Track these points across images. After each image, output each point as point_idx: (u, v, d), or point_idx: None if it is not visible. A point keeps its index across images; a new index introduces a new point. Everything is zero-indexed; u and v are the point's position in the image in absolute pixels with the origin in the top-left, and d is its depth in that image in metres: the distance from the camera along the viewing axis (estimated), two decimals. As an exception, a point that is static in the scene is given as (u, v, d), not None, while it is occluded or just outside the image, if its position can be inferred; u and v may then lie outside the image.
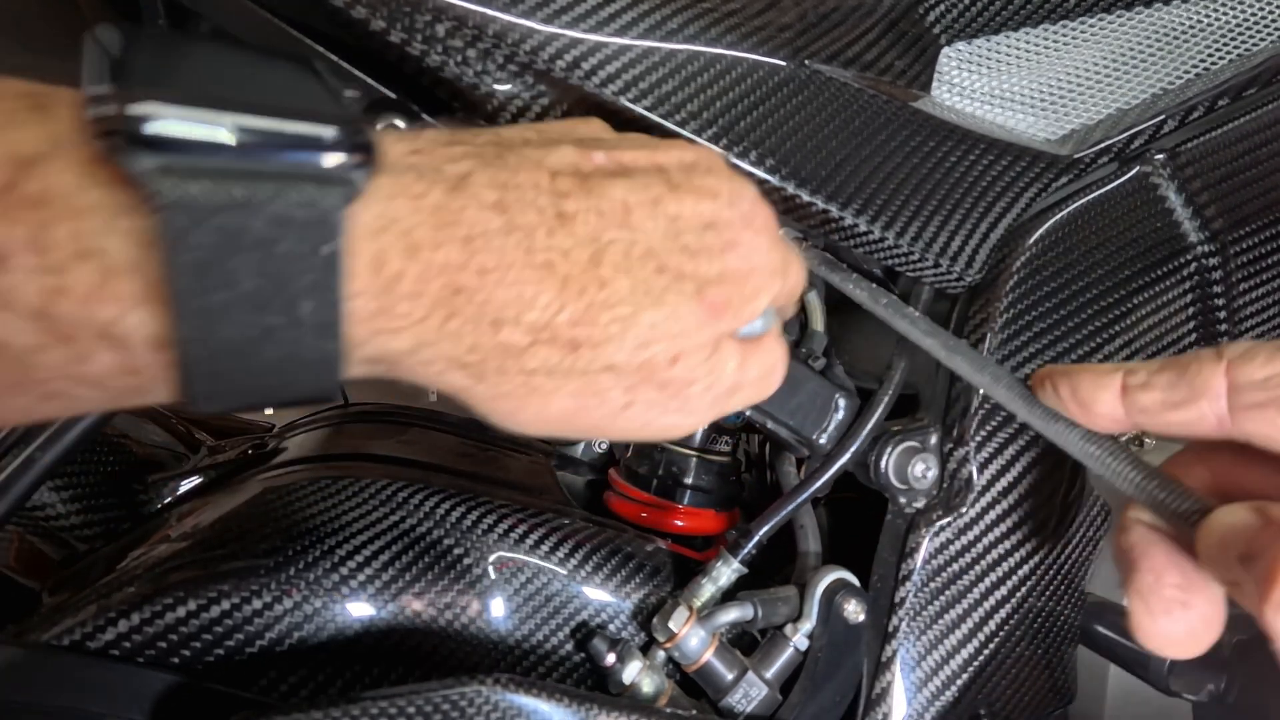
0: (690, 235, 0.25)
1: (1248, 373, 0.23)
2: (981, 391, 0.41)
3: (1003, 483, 0.42)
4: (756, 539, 0.41)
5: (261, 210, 0.17)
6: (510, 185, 0.23)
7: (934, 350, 0.33)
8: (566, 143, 0.25)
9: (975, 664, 0.43)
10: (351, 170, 0.19)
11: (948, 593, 0.42)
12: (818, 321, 0.42)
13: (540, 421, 0.25)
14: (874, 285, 0.37)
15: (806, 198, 0.40)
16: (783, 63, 0.40)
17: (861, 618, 0.40)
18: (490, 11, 0.34)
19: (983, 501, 0.42)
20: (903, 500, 0.42)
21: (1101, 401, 0.26)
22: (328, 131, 0.18)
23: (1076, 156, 0.45)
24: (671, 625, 0.39)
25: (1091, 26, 0.47)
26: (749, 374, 0.28)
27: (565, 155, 0.25)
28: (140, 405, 0.21)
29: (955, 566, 0.42)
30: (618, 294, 0.24)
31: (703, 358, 0.26)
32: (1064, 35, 0.47)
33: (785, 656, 0.40)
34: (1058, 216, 0.43)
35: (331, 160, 0.18)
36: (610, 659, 0.39)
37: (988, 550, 0.42)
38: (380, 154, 0.20)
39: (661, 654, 0.40)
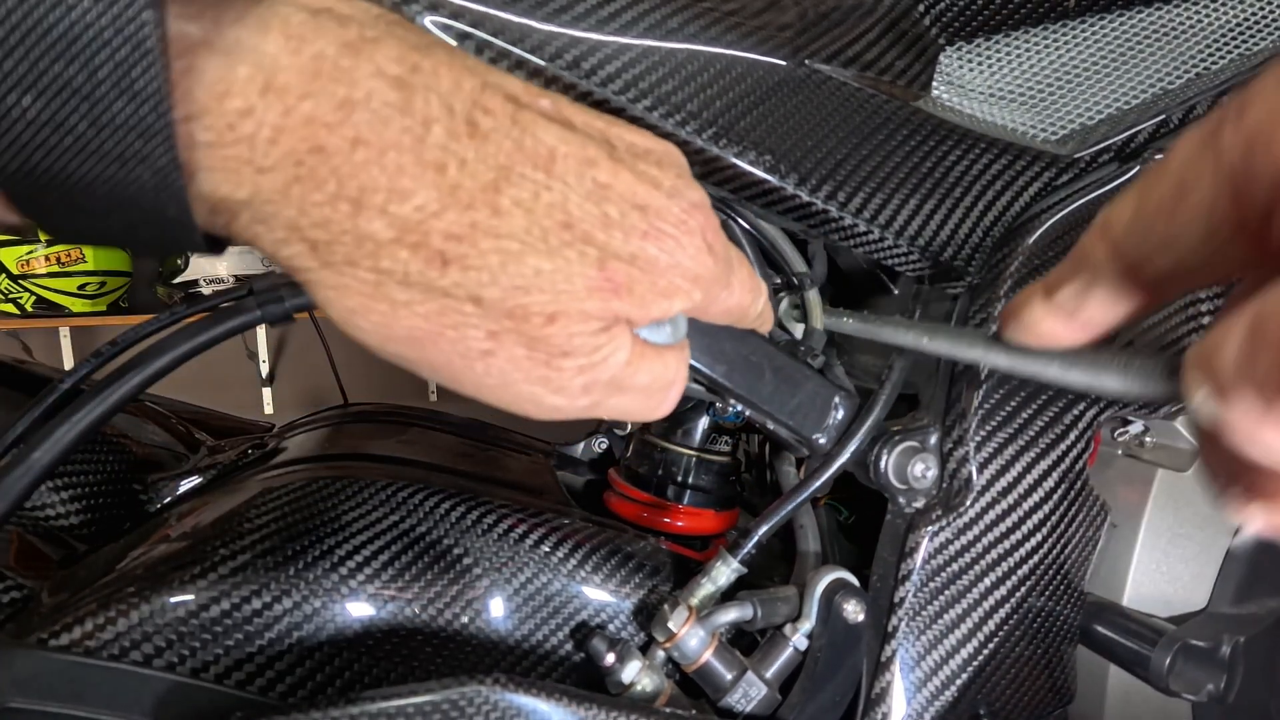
0: (614, 207, 0.23)
1: (1115, 228, 0.21)
2: (981, 391, 0.41)
3: (1002, 482, 0.42)
4: (756, 539, 0.41)
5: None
6: (423, 70, 0.21)
7: (912, 344, 0.32)
8: (518, 80, 0.24)
9: (975, 664, 0.43)
10: None
11: (947, 592, 0.42)
12: (817, 319, 0.42)
13: (383, 334, 0.23)
14: (855, 312, 0.37)
15: (806, 197, 0.40)
16: (782, 62, 0.40)
17: (861, 617, 0.40)
18: (489, 10, 0.34)
19: (982, 501, 0.42)
20: (902, 500, 0.42)
21: (1039, 315, 0.24)
22: None
23: (1077, 156, 0.45)
24: (671, 625, 0.39)
25: (1091, 26, 0.47)
26: (638, 378, 0.26)
27: (509, 81, 0.23)
28: None
29: (955, 566, 0.42)
30: (509, 227, 0.22)
31: (587, 330, 0.23)
32: (1064, 35, 0.47)
33: (785, 656, 0.40)
34: (1058, 215, 0.43)
35: None
36: (610, 659, 0.39)
37: (987, 550, 0.42)
38: None
39: (661, 654, 0.40)
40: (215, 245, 0.23)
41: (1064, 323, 0.24)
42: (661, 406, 0.28)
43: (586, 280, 0.23)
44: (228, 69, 0.19)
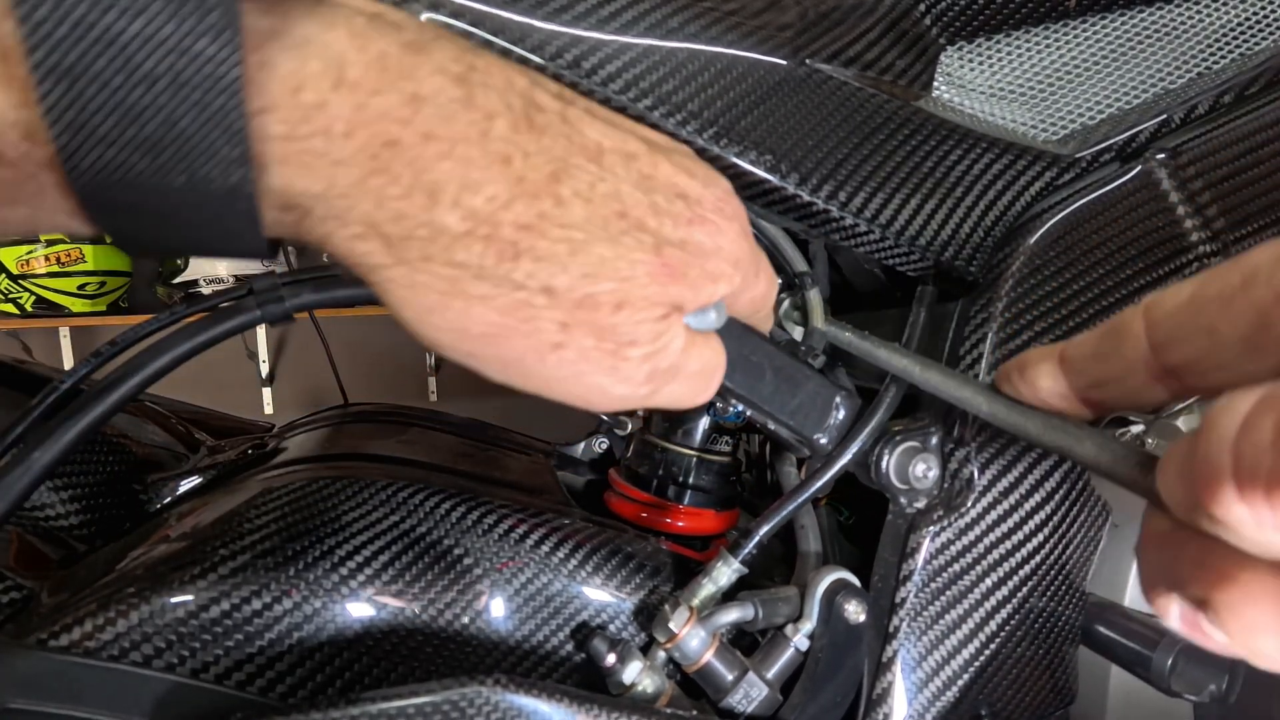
0: (660, 196, 0.24)
1: (1162, 307, 0.21)
2: None
3: (1004, 483, 0.42)
4: (757, 539, 0.41)
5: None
6: (479, 69, 0.22)
7: (904, 372, 0.33)
8: (552, 82, 0.25)
9: (976, 664, 0.43)
10: None
11: (949, 593, 0.42)
12: (818, 318, 0.42)
13: (458, 332, 0.23)
14: (855, 330, 0.37)
15: (807, 197, 0.40)
16: (783, 62, 0.40)
17: (862, 618, 0.40)
18: (489, 9, 0.34)
19: (984, 502, 0.42)
20: (904, 500, 0.42)
21: (1044, 374, 0.25)
22: None
23: (1078, 156, 0.45)
24: (672, 625, 0.39)
25: (1092, 26, 0.47)
26: (691, 363, 0.27)
27: (548, 82, 0.24)
28: (37, 215, 0.19)
29: (956, 567, 0.42)
30: (573, 217, 0.22)
31: (650, 317, 0.24)
32: (1065, 35, 0.47)
33: (786, 657, 0.40)
34: (1059, 215, 0.43)
35: None
36: (610, 659, 0.39)
37: (989, 550, 0.42)
38: None
39: (662, 654, 0.40)
40: (274, 249, 0.23)
41: (1065, 387, 0.24)
42: (706, 392, 0.28)
43: (647, 266, 0.24)
44: (300, 63, 0.19)
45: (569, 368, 0.24)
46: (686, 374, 0.27)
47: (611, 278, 0.23)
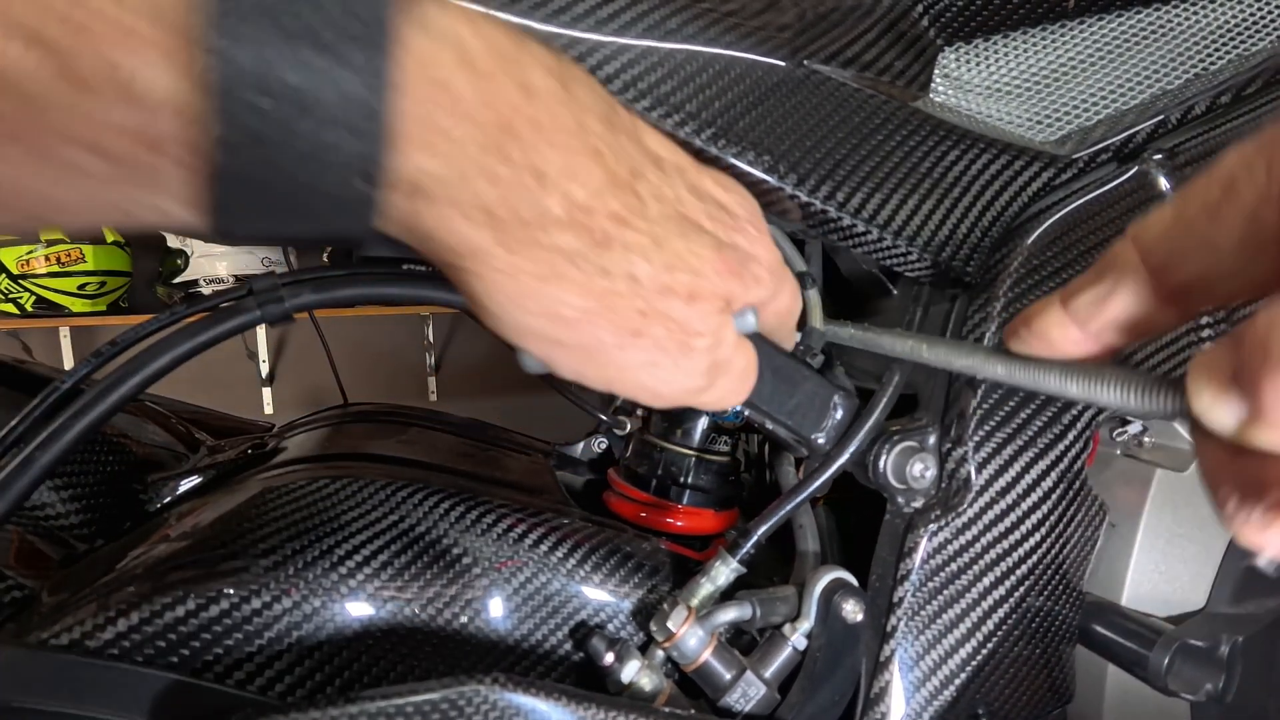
0: (710, 204, 0.27)
1: (1149, 232, 0.21)
2: (980, 392, 0.41)
3: (1001, 482, 0.42)
4: (755, 539, 0.41)
5: None
6: (569, 65, 0.23)
7: (910, 355, 0.33)
8: None
9: (973, 663, 0.43)
10: None
11: (946, 592, 0.42)
12: (816, 318, 0.42)
13: (549, 317, 0.24)
14: (854, 323, 0.37)
15: (805, 197, 0.40)
16: (781, 62, 0.40)
17: (860, 617, 0.40)
18: (489, 11, 0.34)
19: (981, 501, 0.42)
20: (901, 500, 0.42)
21: (1052, 322, 0.24)
22: None
23: (1075, 156, 0.45)
24: (670, 625, 0.39)
25: (1090, 26, 0.47)
26: (737, 361, 0.28)
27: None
28: (141, 200, 0.19)
29: (954, 566, 0.42)
30: (652, 213, 0.24)
31: (713, 310, 0.26)
32: (1063, 35, 0.47)
33: (784, 656, 0.40)
34: (1057, 215, 0.44)
35: None
36: (609, 658, 0.39)
37: (986, 550, 0.42)
38: None
39: (660, 653, 0.40)
40: (366, 238, 0.23)
41: (1076, 332, 0.24)
42: (745, 390, 0.30)
43: (713, 263, 0.26)
44: (429, 41, 0.20)
45: (643, 355, 0.25)
46: (733, 370, 0.28)
47: (686, 270, 0.25)
